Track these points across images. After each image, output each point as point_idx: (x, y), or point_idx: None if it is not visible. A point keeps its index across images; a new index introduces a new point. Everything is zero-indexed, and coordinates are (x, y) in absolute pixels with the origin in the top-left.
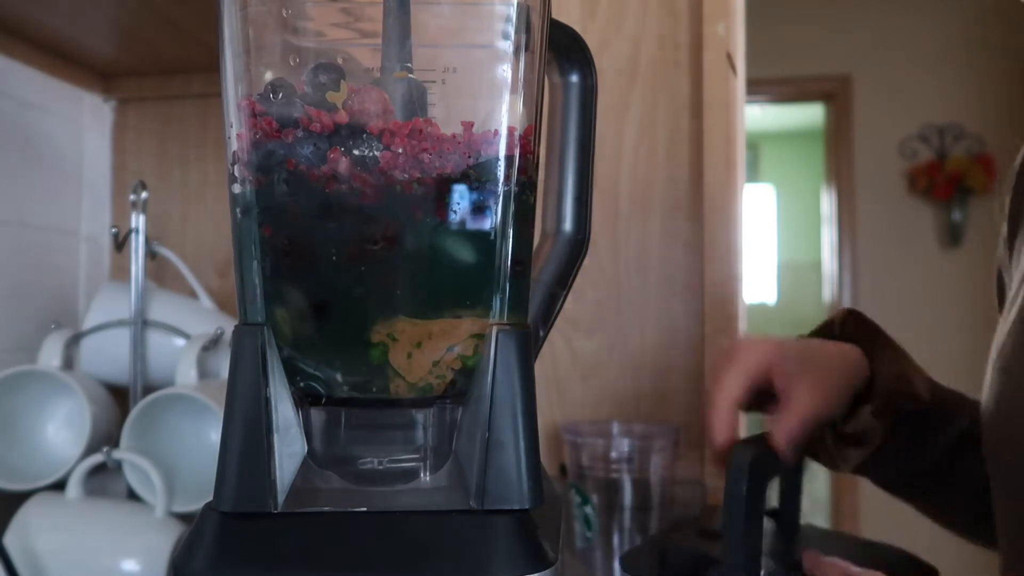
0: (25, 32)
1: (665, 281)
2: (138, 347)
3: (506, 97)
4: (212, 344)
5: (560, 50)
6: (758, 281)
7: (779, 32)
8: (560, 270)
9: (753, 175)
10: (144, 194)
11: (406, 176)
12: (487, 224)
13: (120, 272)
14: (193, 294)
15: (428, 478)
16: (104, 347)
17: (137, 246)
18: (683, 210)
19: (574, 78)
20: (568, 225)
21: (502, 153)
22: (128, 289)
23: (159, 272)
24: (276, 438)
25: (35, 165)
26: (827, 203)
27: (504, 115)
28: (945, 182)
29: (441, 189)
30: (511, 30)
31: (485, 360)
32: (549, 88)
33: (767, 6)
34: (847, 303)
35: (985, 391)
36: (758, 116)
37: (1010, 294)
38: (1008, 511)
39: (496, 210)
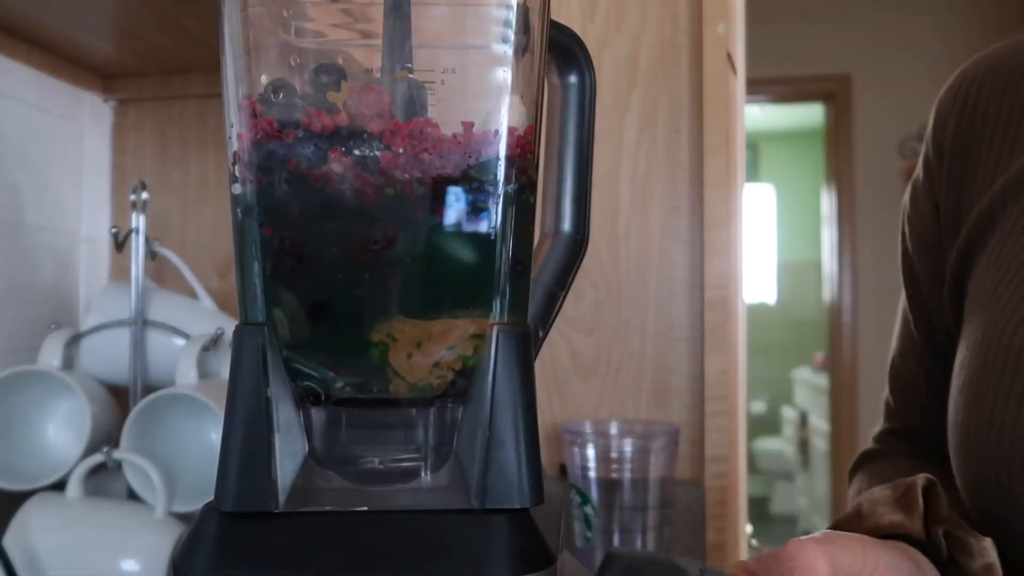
0: (25, 32)
1: (665, 281)
2: (138, 347)
3: (506, 98)
4: (212, 344)
5: (559, 51)
6: (758, 281)
7: (779, 32)
8: (559, 270)
9: (753, 175)
10: (144, 194)
11: (406, 176)
12: (487, 224)
13: (120, 272)
14: (193, 294)
15: (428, 477)
16: (104, 347)
17: (137, 246)
18: (683, 210)
19: (573, 79)
20: (567, 225)
21: (502, 153)
22: (128, 289)
23: (159, 272)
24: (277, 438)
25: (35, 165)
26: (827, 203)
27: (504, 116)
28: None
29: (441, 189)
30: (511, 32)
31: (486, 360)
32: (548, 88)
33: (767, 6)
34: (847, 303)
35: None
36: (758, 116)
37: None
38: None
39: (496, 210)
